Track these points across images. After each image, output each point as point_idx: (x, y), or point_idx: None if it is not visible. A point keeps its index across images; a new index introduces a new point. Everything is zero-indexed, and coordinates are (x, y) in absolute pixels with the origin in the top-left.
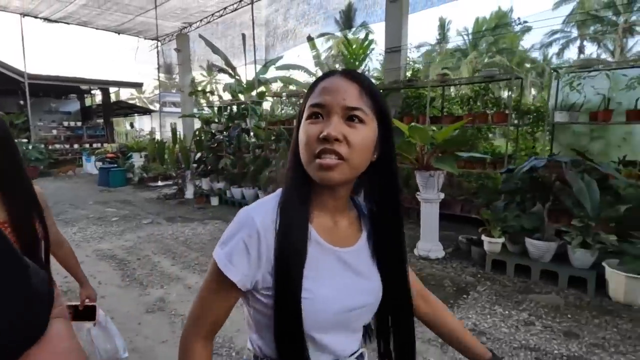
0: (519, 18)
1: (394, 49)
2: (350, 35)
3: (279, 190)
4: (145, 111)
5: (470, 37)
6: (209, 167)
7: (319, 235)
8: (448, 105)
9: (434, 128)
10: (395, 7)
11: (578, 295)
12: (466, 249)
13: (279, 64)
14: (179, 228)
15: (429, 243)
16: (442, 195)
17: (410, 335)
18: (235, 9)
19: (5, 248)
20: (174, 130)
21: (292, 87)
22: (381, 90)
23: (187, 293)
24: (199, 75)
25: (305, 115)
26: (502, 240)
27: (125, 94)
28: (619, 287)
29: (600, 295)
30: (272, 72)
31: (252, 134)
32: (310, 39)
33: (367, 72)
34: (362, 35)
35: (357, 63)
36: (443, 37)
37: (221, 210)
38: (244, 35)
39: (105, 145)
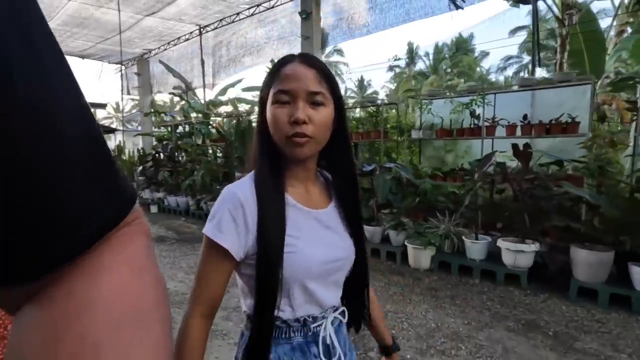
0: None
1: None
2: (323, 58)
3: (252, 171)
4: (110, 130)
5: (431, 61)
6: (152, 180)
7: (296, 201)
8: (351, 126)
9: None
10: (308, 44)
11: (390, 265)
12: None
13: (243, 85)
14: None
15: None
16: None
17: (367, 284)
18: (187, 39)
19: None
20: (119, 147)
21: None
22: None
23: None
24: (176, 96)
25: (271, 99)
26: None
27: (102, 114)
28: (411, 257)
29: (405, 264)
30: (230, 93)
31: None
32: (272, 61)
33: None
34: (334, 57)
35: None
36: (411, 59)
37: (157, 216)
38: (203, 61)
39: None
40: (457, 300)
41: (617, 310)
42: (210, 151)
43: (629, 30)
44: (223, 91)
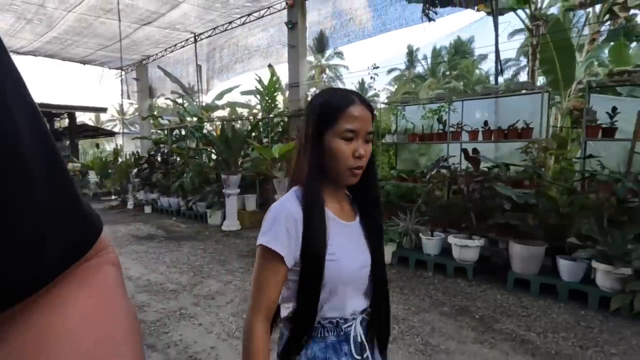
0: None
1: (294, 85)
2: (323, 61)
3: (294, 189)
4: (109, 133)
5: (429, 64)
6: (146, 181)
7: (333, 214)
8: None
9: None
10: (294, 52)
11: None
12: None
13: (239, 90)
14: None
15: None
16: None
17: (386, 292)
18: (183, 46)
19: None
20: (116, 151)
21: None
22: (286, 118)
23: None
24: (171, 101)
25: (338, 134)
26: None
27: (106, 117)
28: None
29: None
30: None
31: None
32: (270, 66)
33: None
34: (334, 61)
35: (268, 96)
36: (411, 63)
37: (150, 216)
38: (199, 66)
39: (69, 165)
40: (405, 290)
41: (545, 298)
42: (204, 154)
43: (602, 37)
44: (220, 96)
